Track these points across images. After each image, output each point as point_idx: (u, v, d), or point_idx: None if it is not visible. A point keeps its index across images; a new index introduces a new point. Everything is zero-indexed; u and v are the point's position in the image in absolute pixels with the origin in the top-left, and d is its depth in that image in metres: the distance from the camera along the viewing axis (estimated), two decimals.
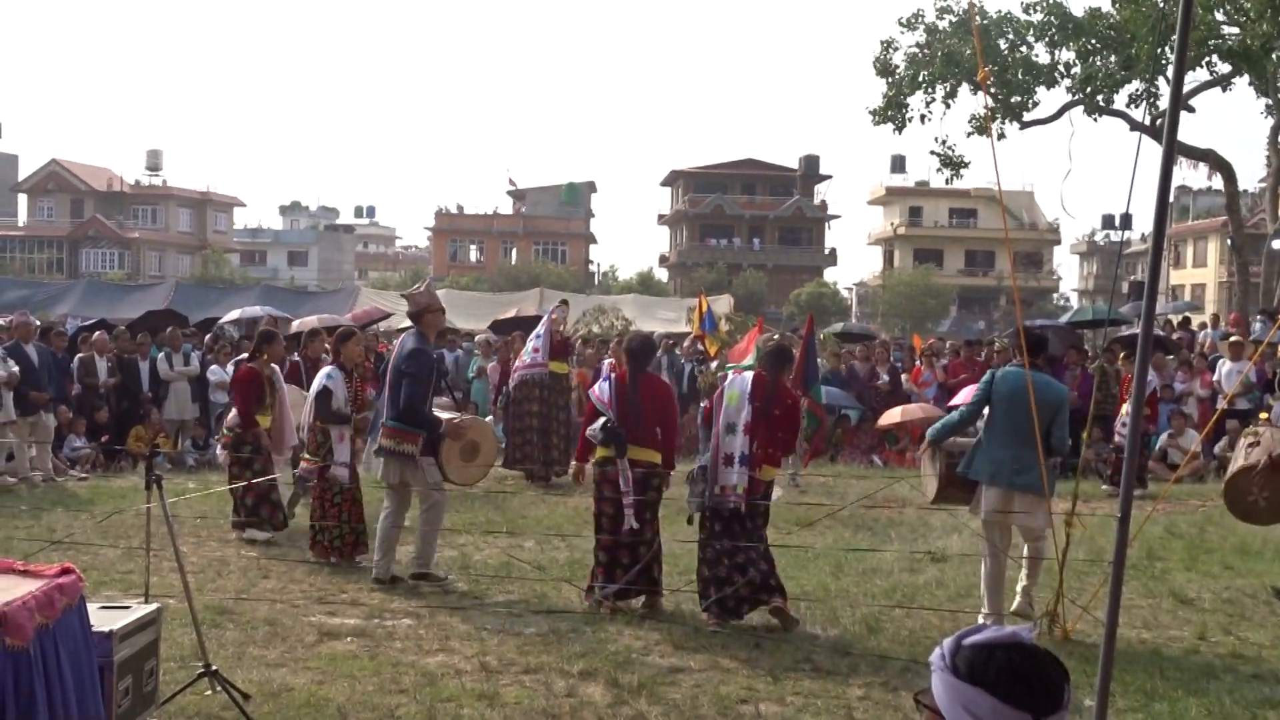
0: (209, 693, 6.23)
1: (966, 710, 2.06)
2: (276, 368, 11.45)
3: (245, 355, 12.13)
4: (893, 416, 17.50)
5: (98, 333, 17.78)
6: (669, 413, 8.88)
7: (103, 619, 5.61)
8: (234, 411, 11.23)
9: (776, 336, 11.94)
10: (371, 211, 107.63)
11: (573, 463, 9.53)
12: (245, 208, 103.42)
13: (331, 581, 9.31)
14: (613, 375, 8.93)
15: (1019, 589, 8.38)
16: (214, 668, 6.22)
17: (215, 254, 73.93)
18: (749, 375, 8.57)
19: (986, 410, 8.29)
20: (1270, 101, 29.11)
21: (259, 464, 10.90)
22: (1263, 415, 17.21)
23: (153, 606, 6.13)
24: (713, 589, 8.22)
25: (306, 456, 10.29)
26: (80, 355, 17.03)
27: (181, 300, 29.64)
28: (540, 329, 15.01)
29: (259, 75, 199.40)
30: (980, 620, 7.98)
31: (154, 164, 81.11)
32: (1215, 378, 17.62)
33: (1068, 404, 8.25)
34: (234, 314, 24.61)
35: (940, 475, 8.41)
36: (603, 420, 8.57)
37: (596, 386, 8.92)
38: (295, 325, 21.73)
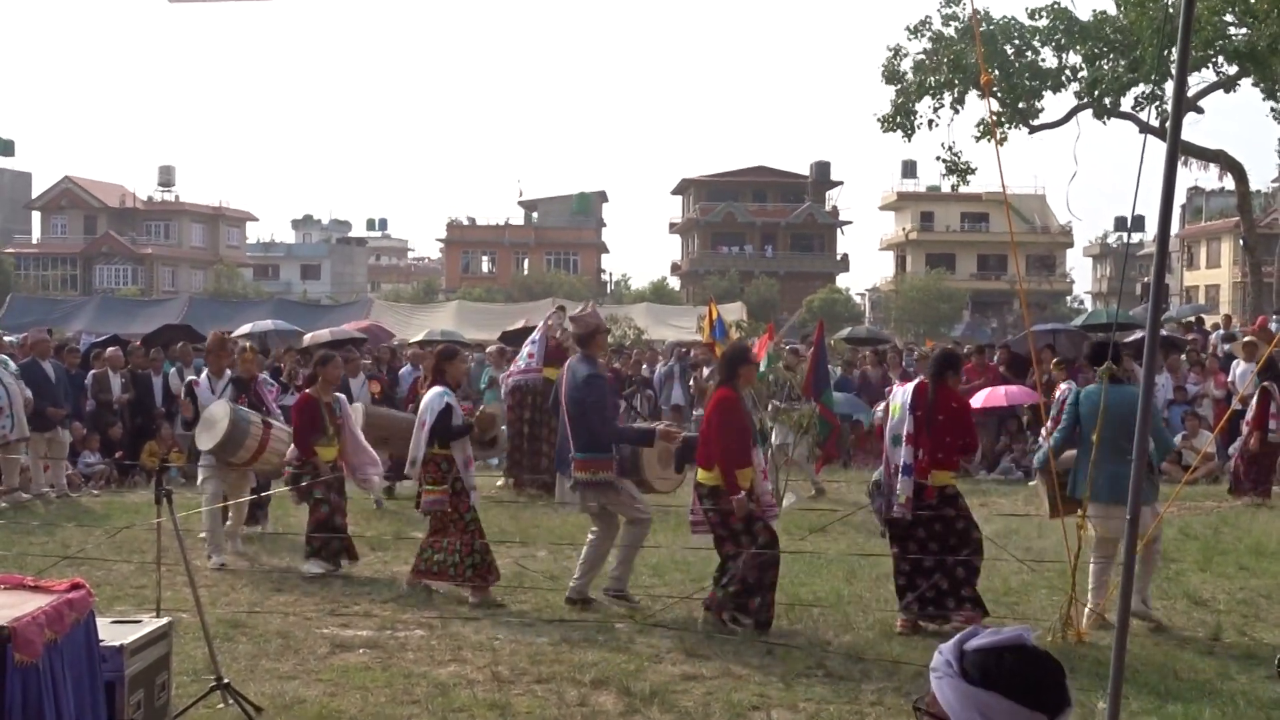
0: (221, 706, 6.23)
1: (981, 714, 2.07)
2: (341, 395, 10.86)
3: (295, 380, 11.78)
4: (996, 397, 17.44)
5: (111, 348, 17.84)
6: (714, 428, 8.31)
7: (114, 633, 5.63)
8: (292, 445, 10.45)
9: (937, 346, 11.82)
10: (383, 224, 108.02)
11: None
12: (257, 222, 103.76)
13: (344, 594, 9.32)
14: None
15: (1090, 590, 8.47)
16: (226, 681, 6.23)
17: (228, 268, 74.20)
18: (910, 386, 8.61)
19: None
20: (1272, 108, 29.04)
21: (319, 492, 10.11)
22: None
23: (164, 620, 6.16)
24: (907, 595, 8.28)
25: (428, 488, 9.35)
26: (94, 371, 17.09)
27: (195, 315, 29.75)
28: (536, 334, 14.95)
29: (270, 90, 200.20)
30: (1086, 612, 8.24)
31: (166, 180, 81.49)
32: (1230, 378, 17.53)
33: (1156, 410, 8.54)
34: (246, 328, 24.70)
35: (1050, 496, 8.59)
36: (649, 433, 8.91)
37: None
38: (307, 339, 21.82)
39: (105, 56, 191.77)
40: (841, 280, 78.93)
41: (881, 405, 8.76)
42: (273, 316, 28.90)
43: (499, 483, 14.91)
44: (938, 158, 30.53)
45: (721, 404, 8.35)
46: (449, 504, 9.20)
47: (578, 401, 8.90)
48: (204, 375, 11.28)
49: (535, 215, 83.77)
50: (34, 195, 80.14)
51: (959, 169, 30.17)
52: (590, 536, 9.10)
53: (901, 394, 8.56)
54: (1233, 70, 27.42)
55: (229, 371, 11.61)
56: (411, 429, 9.66)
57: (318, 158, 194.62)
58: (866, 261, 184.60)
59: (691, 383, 20.45)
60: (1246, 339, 19.01)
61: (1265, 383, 14.16)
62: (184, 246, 78.89)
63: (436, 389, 9.43)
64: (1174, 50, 5.14)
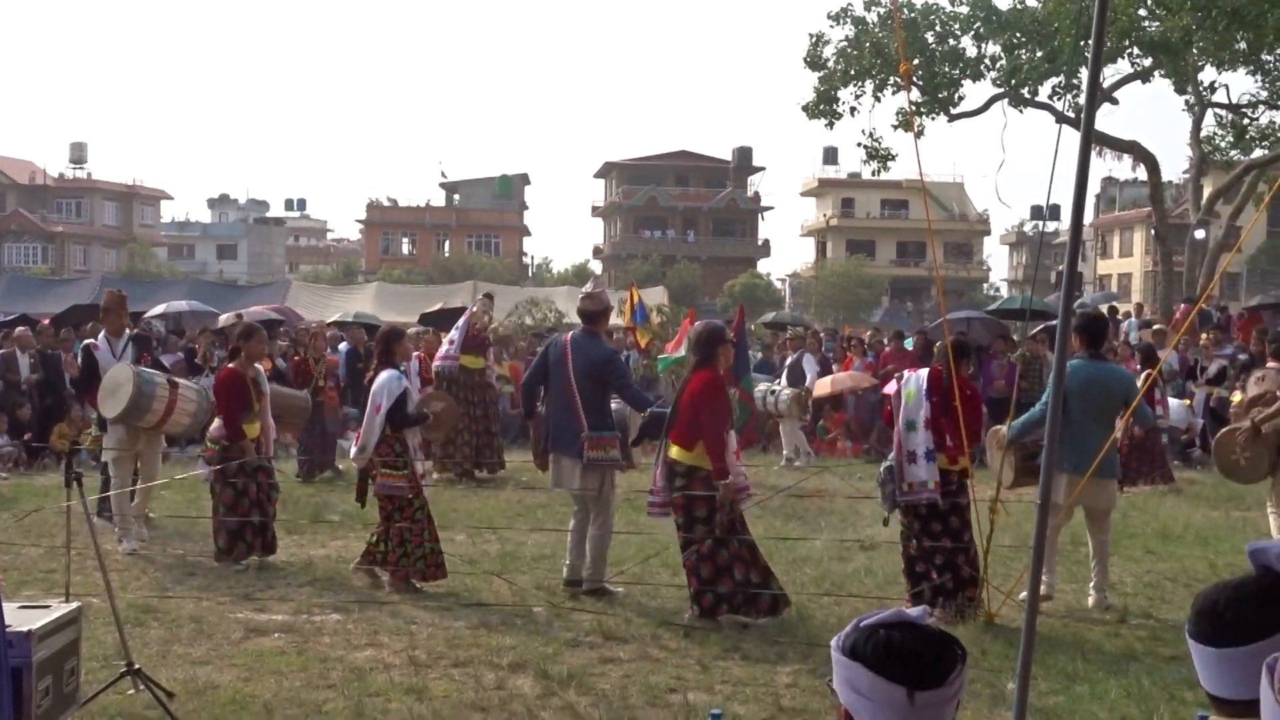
0: (131, 692, 6.15)
1: (850, 686, 2.11)
2: (261, 368, 10.56)
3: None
4: (824, 386, 17.76)
5: (20, 328, 17.48)
6: (702, 410, 8.05)
7: (21, 619, 5.53)
8: (217, 421, 10.03)
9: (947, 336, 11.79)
10: (302, 204, 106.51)
11: None
12: (172, 200, 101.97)
13: (259, 578, 9.22)
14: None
15: (1092, 586, 8.62)
16: (137, 666, 6.14)
17: (142, 248, 72.81)
18: (925, 371, 8.55)
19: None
20: (1190, 99, 29.62)
21: (241, 482, 9.69)
22: (1186, 402, 17.58)
23: (73, 605, 6.05)
24: (916, 584, 8.28)
25: (385, 472, 8.99)
26: (1, 351, 16.73)
27: None
28: (460, 321, 14.88)
29: (186, 66, 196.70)
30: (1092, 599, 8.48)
31: (78, 156, 79.75)
32: (1137, 366, 17.87)
33: (1136, 387, 8.87)
34: (160, 308, 24.33)
35: (1017, 466, 8.76)
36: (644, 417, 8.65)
37: None
38: (223, 320, 21.53)
39: (14, 29, 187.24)
40: (763, 265, 79.47)
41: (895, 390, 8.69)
42: (188, 297, 28.47)
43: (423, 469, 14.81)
44: (859, 144, 30.74)
45: (710, 385, 8.17)
46: (407, 490, 8.98)
47: (596, 379, 8.80)
48: (102, 337, 10.87)
49: (457, 197, 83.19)
50: None
51: (880, 155, 30.40)
52: (576, 521, 9.03)
53: (915, 380, 8.48)
54: (1147, 62, 27.91)
55: (127, 331, 11.20)
56: (302, 408, 9.52)
57: (235, 136, 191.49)
58: (788, 247, 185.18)
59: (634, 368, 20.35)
60: (1157, 327, 19.44)
61: (1148, 369, 14.56)
62: (96, 225, 77.27)
63: (389, 372, 9.17)
64: (1089, 41, 5.22)
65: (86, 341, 10.82)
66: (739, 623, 7.95)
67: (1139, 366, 17.28)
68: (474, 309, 14.96)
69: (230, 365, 10.21)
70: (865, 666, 2.09)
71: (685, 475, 8.13)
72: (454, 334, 14.68)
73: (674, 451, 8.18)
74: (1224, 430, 9.42)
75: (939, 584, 8.16)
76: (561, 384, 8.89)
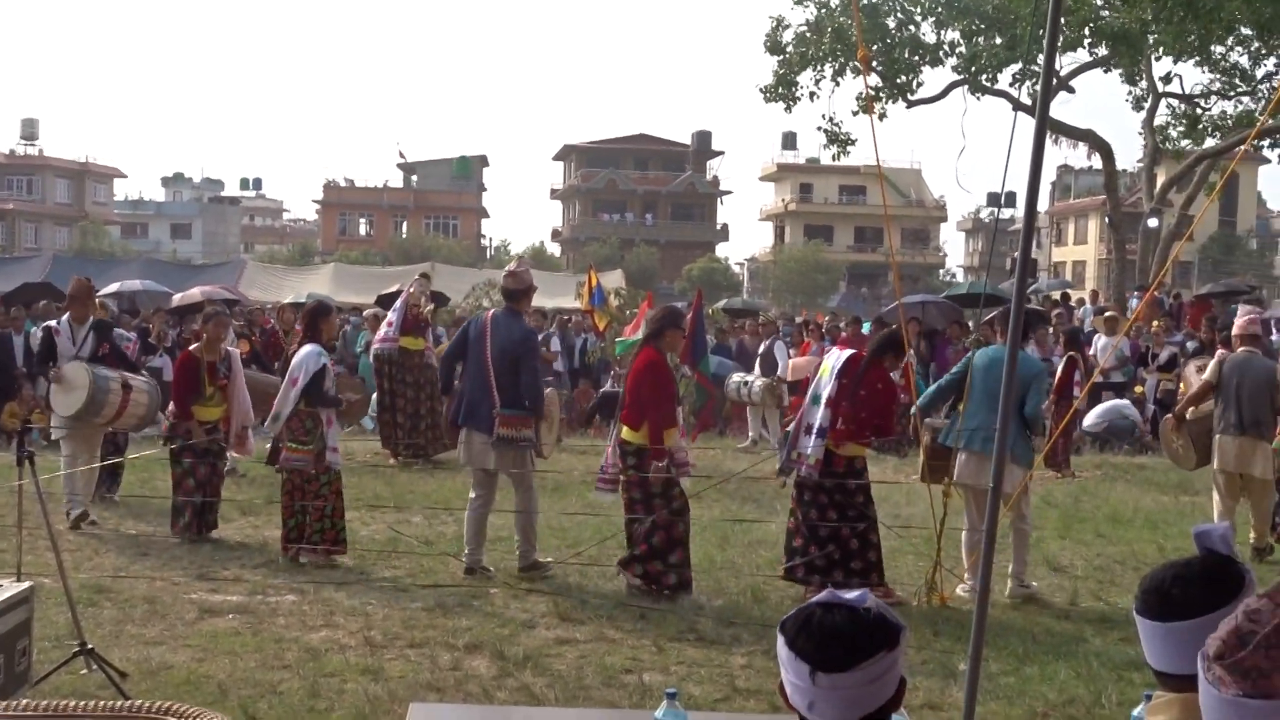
0: (84, 671, 6.11)
1: (779, 659, 2.16)
2: (234, 351, 10.57)
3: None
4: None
5: None
6: (645, 388, 8.27)
7: None
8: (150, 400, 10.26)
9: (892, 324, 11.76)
10: (258, 184, 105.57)
11: None
12: (126, 179, 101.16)
13: (214, 559, 9.17)
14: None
15: (1010, 573, 8.58)
16: (90, 646, 6.10)
17: (94, 226, 71.89)
18: (845, 352, 8.54)
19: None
20: (1141, 90, 29.84)
21: (187, 460, 9.87)
22: (1137, 388, 17.79)
23: (25, 585, 6.00)
24: (792, 556, 8.32)
25: (292, 446, 9.12)
26: None
27: (59, 273, 28.72)
28: (398, 302, 14.79)
29: (140, 42, 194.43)
30: (963, 587, 8.41)
31: (30, 133, 78.63)
32: (1091, 352, 18.07)
33: (1044, 374, 9.01)
34: (113, 287, 24.07)
35: (925, 448, 8.76)
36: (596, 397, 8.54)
37: None
38: (177, 299, 21.36)
39: None
40: (721, 250, 79.60)
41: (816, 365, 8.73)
42: (141, 276, 28.18)
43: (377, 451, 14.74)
44: (819, 129, 30.77)
45: (652, 366, 8.32)
46: (311, 465, 9.05)
47: (512, 356, 8.77)
48: (64, 320, 10.73)
49: (415, 178, 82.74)
50: None
51: (840, 140, 30.45)
52: (474, 500, 8.91)
53: (834, 357, 8.51)
54: (1104, 51, 28.10)
55: (91, 318, 11.09)
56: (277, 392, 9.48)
57: (190, 114, 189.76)
58: (746, 232, 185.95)
59: (590, 351, 20.34)
60: (1109, 314, 19.63)
61: (1071, 353, 14.80)
62: (48, 202, 76.26)
63: (311, 347, 9.21)
64: (1045, 29, 5.26)
65: (49, 324, 10.65)
66: (670, 597, 8.10)
67: (1061, 351, 17.50)
68: (410, 289, 14.83)
69: (189, 349, 10.17)
70: (783, 640, 2.14)
71: (635, 454, 8.25)
72: (392, 315, 14.59)
73: (624, 432, 8.32)
74: (1165, 418, 9.81)
75: (810, 560, 8.22)
76: (478, 360, 8.85)
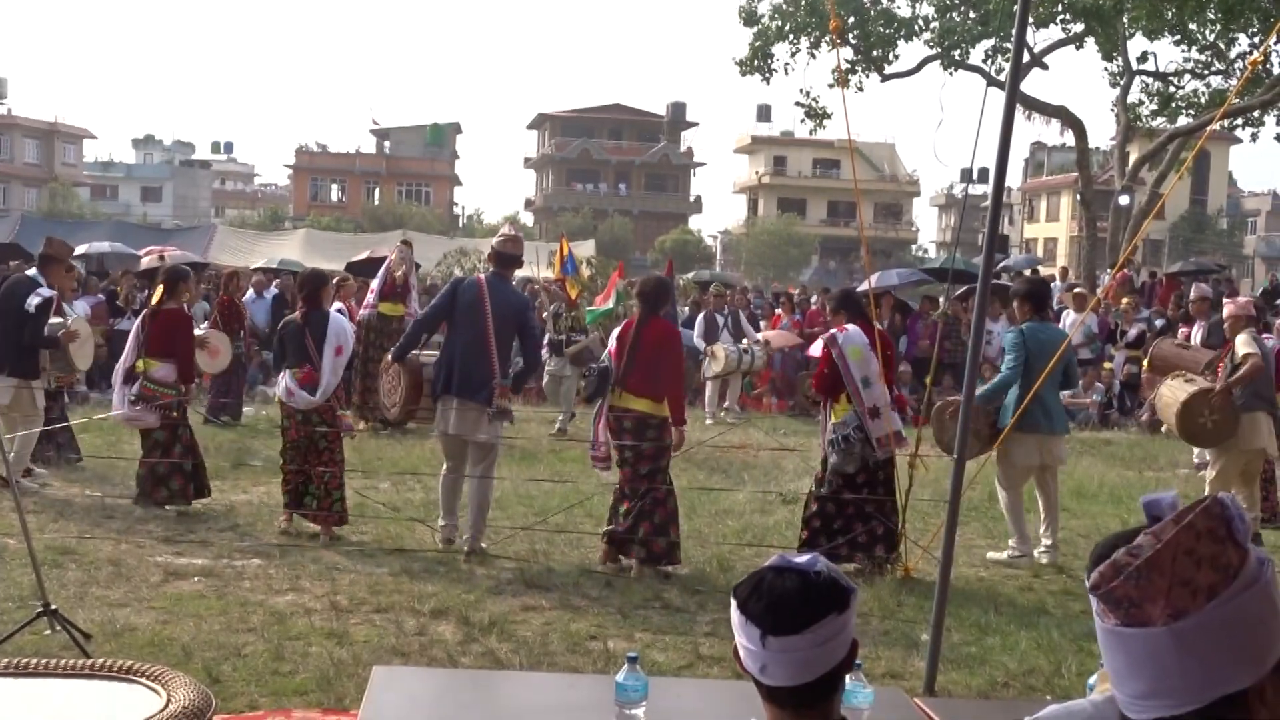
0: (48, 632, 6.10)
1: (733, 624, 2.21)
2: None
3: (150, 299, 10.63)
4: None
5: None
6: (667, 360, 8.25)
7: None
8: (165, 366, 9.65)
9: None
10: (230, 147, 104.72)
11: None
12: (96, 140, 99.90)
13: (180, 522, 9.15)
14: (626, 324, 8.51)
15: (1045, 539, 8.89)
16: (54, 607, 6.08)
17: (63, 187, 71.22)
18: (856, 328, 8.41)
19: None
20: (1116, 68, 29.91)
21: (181, 428, 9.70)
22: (1105, 365, 17.91)
23: None
24: (832, 538, 8.30)
25: (343, 413, 9.67)
26: None
27: (27, 234, 28.51)
28: (380, 270, 14.85)
29: (113, 1, 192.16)
30: (1008, 553, 8.79)
31: None
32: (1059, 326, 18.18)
33: (1069, 344, 9.08)
34: (82, 249, 23.84)
35: (983, 434, 8.72)
36: (599, 367, 8.29)
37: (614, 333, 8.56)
38: (145, 262, 21.18)
39: None
40: (694, 221, 79.53)
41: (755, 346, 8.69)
42: (110, 239, 27.94)
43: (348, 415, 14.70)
44: (796, 103, 30.75)
45: (671, 335, 8.48)
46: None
47: (513, 324, 8.60)
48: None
49: (388, 145, 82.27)
50: None
51: (816, 114, 30.44)
52: (450, 471, 8.72)
53: (855, 335, 8.31)
54: (1078, 28, 28.15)
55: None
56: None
57: (161, 75, 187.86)
58: (720, 203, 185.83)
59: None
60: (1076, 290, 19.75)
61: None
62: (16, 163, 75.43)
63: (341, 316, 9.49)
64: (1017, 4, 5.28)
65: (46, 292, 10.34)
66: (663, 572, 8.05)
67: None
68: (392, 257, 14.85)
69: (173, 306, 9.89)
70: (735, 604, 2.18)
71: (636, 423, 8.18)
72: (374, 283, 14.65)
73: (632, 401, 8.18)
74: (1195, 393, 9.29)
75: (853, 537, 8.28)
76: (477, 327, 8.43)
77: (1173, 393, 9.61)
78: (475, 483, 8.56)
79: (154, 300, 9.99)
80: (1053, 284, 25.59)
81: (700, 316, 17.96)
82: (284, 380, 9.13)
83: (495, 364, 8.37)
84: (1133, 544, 1.56)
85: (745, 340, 17.13)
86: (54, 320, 10.10)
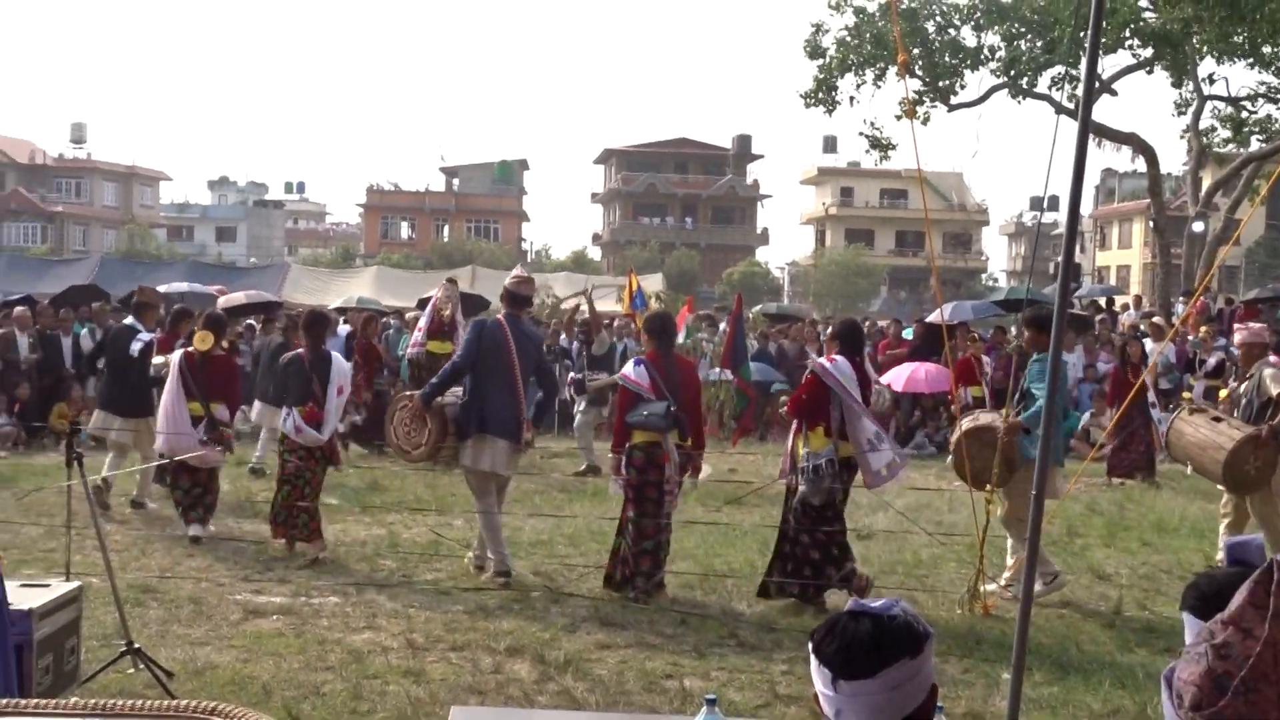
0: (132, 671, 6.18)
1: (810, 668, 2.21)
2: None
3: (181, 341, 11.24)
4: (917, 383, 17.85)
5: (19, 308, 17.50)
6: (697, 394, 8.85)
7: (22, 597, 5.55)
8: (221, 407, 10.31)
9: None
10: (301, 187, 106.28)
11: (610, 454, 8.87)
12: (172, 182, 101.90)
13: (258, 560, 9.26)
14: (644, 358, 8.55)
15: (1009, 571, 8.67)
16: (137, 645, 6.17)
17: (141, 229, 72.58)
18: (843, 359, 8.33)
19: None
20: (1186, 95, 29.52)
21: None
22: (1185, 395, 17.62)
23: (74, 584, 6.09)
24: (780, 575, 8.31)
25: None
26: (1, 331, 16.74)
27: (106, 275, 29.14)
28: (428, 308, 14.94)
29: (186, 47, 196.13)
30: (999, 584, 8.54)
31: (78, 136, 79.60)
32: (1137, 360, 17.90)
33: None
34: (160, 289, 24.28)
35: (1006, 464, 8.45)
36: (665, 405, 8.25)
37: (631, 371, 8.52)
38: (221, 301, 21.53)
39: (15, 9, 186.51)
40: (761, 254, 79.41)
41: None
42: (186, 279, 28.45)
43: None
44: (861, 133, 30.69)
45: (694, 369, 8.74)
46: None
47: (535, 362, 9.03)
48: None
49: (456, 182, 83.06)
50: None
51: (882, 144, 30.35)
52: (485, 505, 8.90)
53: (845, 369, 8.26)
54: (1148, 53, 27.86)
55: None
56: None
57: (235, 118, 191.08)
58: (786, 235, 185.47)
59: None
60: (1154, 319, 19.46)
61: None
62: (95, 205, 77.11)
63: (339, 356, 9.99)
64: (1089, 32, 5.23)
65: (153, 336, 11.44)
66: (736, 610, 8.06)
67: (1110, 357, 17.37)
68: (438, 295, 14.90)
69: (221, 351, 10.50)
70: (811, 648, 2.19)
71: (646, 453, 8.33)
72: (422, 320, 14.75)
73: (676, 437, 8.38)
74: (1244, 440, 8.76)
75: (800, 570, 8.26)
76: (505, 367, 8.73)
77: (1199, 432, 9.06)
78: (496, 508, 8.98)
79: (200, 346, 10.27)
80: (1127, 312, 25.30)
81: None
82: (291, 418, 9.49)
83: (523, 401, 8.85)
84: (1217, 641, 1.48)
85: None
86: (156, 360, 10.96)
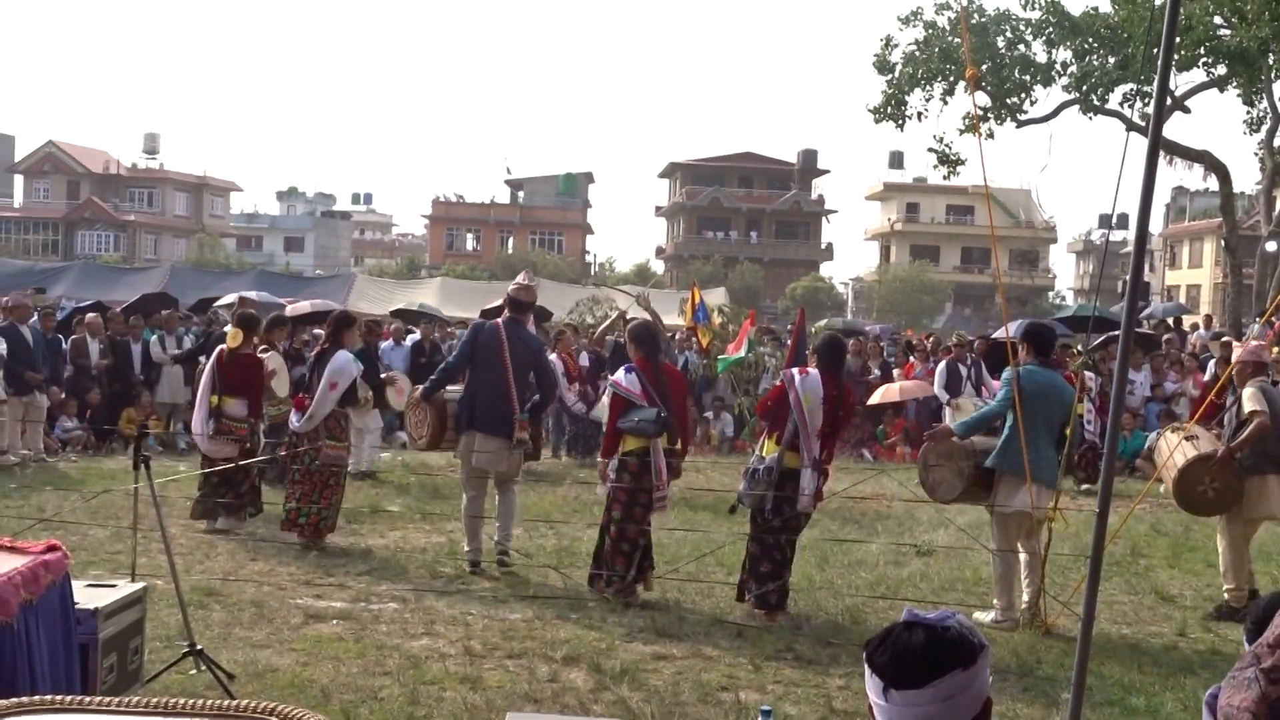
0: (194, 672, 6.27)
1: (864, 673, 2.23)
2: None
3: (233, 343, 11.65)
4: (891, 393, 17.82)
5: (90, 314, 17.80)
6: (684, 400, 9.13)
7: (89, 596, 5.66)
8: (238, 402, 10.74)
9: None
10: (368, 199, 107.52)
11: (599, 459, 9.11)
12: (242, 193, 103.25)
13: (319, 565, 9.35)
14: (635, 365, 8.67)
15: (1027, 594, 8.32)
16: (199, 647, 6.26)
17: (211, 238, 73.73)
18: (815, 373, 8.24)
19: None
20: (1257, 113, 29.07)
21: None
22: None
23: (139, 585, 6.18)
24: (768, 584, 8.19)
25: (333, 444, 10.15)
26: (73, 337, 17.05)
27: (177, 284, 29.56)
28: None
29: (257, 60, 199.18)
30: (993, 615, 8.17)
31: (151, 147, 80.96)
32: (1206, 378, 17.65)
33: (1074, 397, 8.59)
34: (230, 298, 24.59)
35: (968, 475, 8.25)
36: (656, 412, 8.39)
37: (622, 378, 8.62)
38: (289, 310, 21.75)
39: (92, 21, 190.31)
40: (825, 269, 79.17)
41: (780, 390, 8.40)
42: (255, 287, 28.77)
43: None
44: (930, 149, 30.55)
45: (682, 376, 8.72)
46: (346, 459, 10.37)
47: (530, 365, 9.39)
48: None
49: (521, 194, 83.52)
50: (17, 159, 79.43)
51: (950, 160, 30.18)
52: (472, 500, 9.45)
53: (814, 384, 8.11)
54: (1222, 71, 27.50)
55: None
56: None
57: (304, 130, 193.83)
58: (851, 251, 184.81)
59: (693, 368, 20.26)
60: (1224, 339, 19.16)
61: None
62: (167, 215, 78.40)
63: (346, 354, 10.23)
64: (1159, 48, 5.18)
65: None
66: (793, 623, 8.01)
67: (1206, 378, 17.09)
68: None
69: (247, 350, 10.96)
70: (865, 657, 2.21)
71: (639, 459, 8.49)
72: None
73: (665, 442, 8.61)
74: (1194, 459, 8.52)
75: (782, 582, 8.20)
76: (497, 368, 9.25)
77: (1165, 450, 8.82)
78: (503, 497, 9.48)
79: (231, 343, 10.82)
80: (1197, 332, 24.92)
81: (942, 366, 17.70)
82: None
83: (515, 401, 9.23)
84: (1266, 665, 1.44)
85: (986, 393, 16.78)
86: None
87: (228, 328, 12.37)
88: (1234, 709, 1.43)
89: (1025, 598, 8.31)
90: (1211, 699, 1.64)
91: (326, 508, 10.01)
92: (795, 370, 8.35)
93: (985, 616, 8.19)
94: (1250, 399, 8.57)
